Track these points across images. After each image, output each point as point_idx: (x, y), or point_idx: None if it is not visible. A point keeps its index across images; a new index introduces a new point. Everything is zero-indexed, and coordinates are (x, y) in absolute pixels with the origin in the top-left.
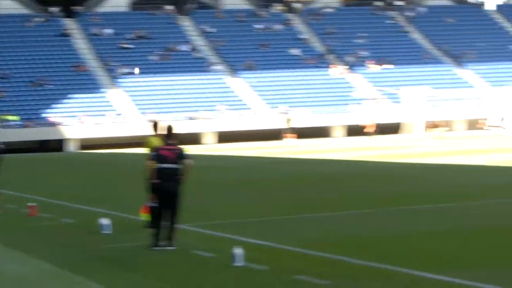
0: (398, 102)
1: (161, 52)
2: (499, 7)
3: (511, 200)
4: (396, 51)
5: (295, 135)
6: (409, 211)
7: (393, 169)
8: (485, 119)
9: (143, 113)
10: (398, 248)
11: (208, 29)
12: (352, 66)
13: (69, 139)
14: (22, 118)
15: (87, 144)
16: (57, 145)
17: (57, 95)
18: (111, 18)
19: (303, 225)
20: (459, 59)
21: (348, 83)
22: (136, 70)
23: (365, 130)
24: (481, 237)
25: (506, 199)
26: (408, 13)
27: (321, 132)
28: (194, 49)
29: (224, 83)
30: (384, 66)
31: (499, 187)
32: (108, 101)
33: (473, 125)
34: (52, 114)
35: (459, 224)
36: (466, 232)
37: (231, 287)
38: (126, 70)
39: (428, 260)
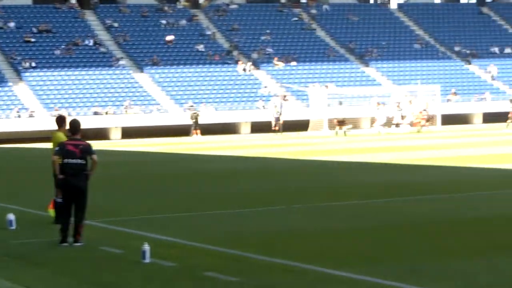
0: (305, 99)
1: (65, 47)
2: (400, 6)
3: (411, 198)
4: (302, 48)
5: (200, 131)
6: (316, 208)
7: (299, 166)
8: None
9: (48, 107)
10: (305, 245)
11: (112, 24)
12: (257, 63)
13: None
14: None
15: None
16: None
17: None
18: (14, 11)
19: (209, 222)
20: (363, 57)
21: (254, 79)
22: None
23: (273, 128)
24: (382, 233)
25: (403, 198)
26: (313, 11)
27: (228, 129)
28: (98, 44)
29: (131, 78)
30: (290, 63)
31: (400, 185)
32: (15, 95)
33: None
34: None
35: (362, 221)
36: (368, 228)
37: (141, 284)
38: (28, 64)
39: (334, 256)
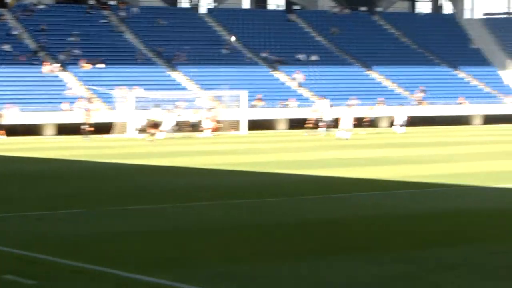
0: (112, 102)
1: None
2: (210, 11)
3: (222, 202)
4: (109, 50)
5: (4, 132)
6: (116, 211)
7: (98, 168)
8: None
9: None
10: (105, 248)
11: None
12: (64, 64)
13: None
14: None
15: None
16: None
17: None
18: None
19: (9, 224)
20: (171, 61)
21: (60, 81)
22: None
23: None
24: (195, 237)
25: (216, 201)
26: (122, 13)
27: (32, 130)
28: None
29: None
30: (97, 65)
31: (199, 188)
32: None
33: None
34: None
35: (177, 224)
36: (183, 232)
37: None
38: None
39: (139, 261)
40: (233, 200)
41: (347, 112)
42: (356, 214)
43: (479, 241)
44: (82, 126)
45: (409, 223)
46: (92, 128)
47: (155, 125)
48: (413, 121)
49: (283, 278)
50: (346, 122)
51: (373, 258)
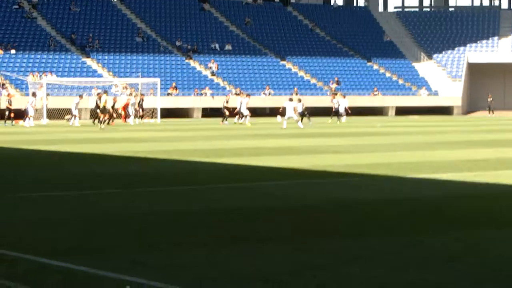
0: (24, 88)
1: None
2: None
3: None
4: (22, 36)
5: None
6: (25, 198)
7: (10, 155)
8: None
9: None
10: (19, 234)
11: None
12: None
13: None
14: None
15: None
16: None
17: None
18: None
19: None
20: (85, 48)
21: None
22: None
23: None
24: (100, 226)
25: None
26: None
27: None
28: None
29: None
30: (9, 51)
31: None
32: None
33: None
34: None
35: (85, 212)
36: (91, 220)
37: None
38: None
39: (49, 246)
40: (139, 189)
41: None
42: (262, 203)
43: (382, 234)
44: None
45: (306, 213)
46: (12, 114)
47: (105, 110)
48: (326, 112)
49: (184, 267)
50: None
51: (275, 248)
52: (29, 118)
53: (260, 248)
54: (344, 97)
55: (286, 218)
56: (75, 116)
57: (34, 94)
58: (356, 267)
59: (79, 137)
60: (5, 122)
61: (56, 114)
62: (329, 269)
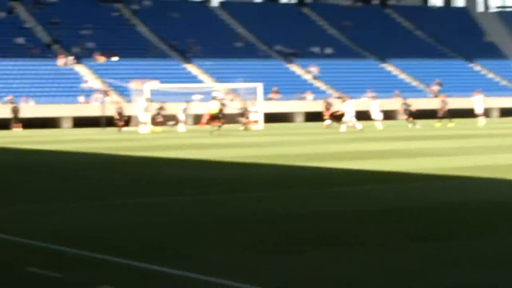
0: (127, 95)
1: None
2: (222, 4)
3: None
4: (123, 43)
5: (20, 125)
6: (131, 204)
7: (118, 161)
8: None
9: None
10: (126, 240)
11: None
12: (78, 57)
13: None
14: None
15: None
16: None
17: None
18: None
19: (31, 216)
20: (185, 54)
21: (75, 74)
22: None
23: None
24: (212, 229)
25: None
26: (134, 6)
27: (49, 123)
28: None
29: None
30: (111, 58)
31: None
32: None
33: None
34: None
35: (193, 216)
36: (183, 222)
37: None
38: None
39: (159, 253)
40: (248, 193)
41: (375, 104)
42: (362, 207)
43: (487, 235)
44: (115, 120)
45: (422, 216)
46: (122, 122)
47: (215, 117)
48: (429, 114)
49: (291, 270)
50: (376, 113)
51: (375, 252)
52: (145, 124)
53: (352, 251)
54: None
55: (384, 221)
56: (181, 121)
57: (148, 100)
58: (453, 270)
59: (185, 142)
60: (14, 128)
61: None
62: (420, 274)
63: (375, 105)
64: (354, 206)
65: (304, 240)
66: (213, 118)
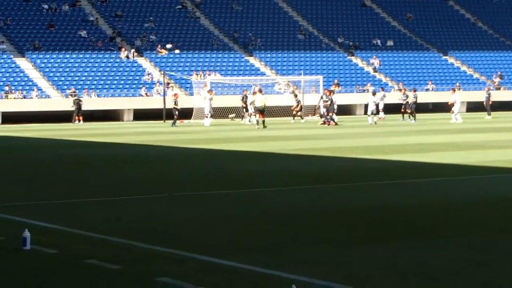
0: (189, 88)
1: None
2: None
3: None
4: (185, 36)
5: (82, 118)
6: (196, 196)
7: (180, 153)
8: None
9: None
10: (185, 233)
11: None
12: (141, 50)
13: None
14: None
15: None
16: None
17: None
18: None
19: (91, 209)
20: (247, 47)
21: (137, 67)
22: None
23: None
24: (260, 222)
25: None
26: None
27: (110, 116)
28: None
29: (12, 63)
30: (173, 51)
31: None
32: None
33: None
34: None
35: (260, 209)
36: (246, 216)
37: (20, 271)
38: None
39: (219, 246)
40: (299, 186)
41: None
42: (425, 199)
43: None
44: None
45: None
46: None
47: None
48: (491, 106)
49: (346, 263)
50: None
51: (438, 244)
52: (207, 117)
53: (423, 244)
54: (374, 94)
55: (450, 214)
56: (251, 114)
57: (210, 92)
58: None
59: (248, 135)
60: (173, 123)
61: (220, 113)
62: (494, 266)
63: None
64: (431, 198)
65: (389, 232)
66: (259, 111)
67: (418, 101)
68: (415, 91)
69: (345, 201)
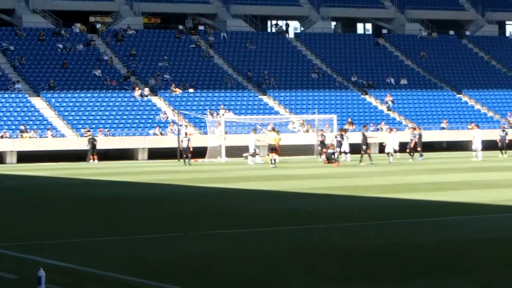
0: (203, 127)
1: None
2: (297, 35)
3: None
4: (199, 75)
5: (96, 157)
6: (214, 235)
7: (195, 192)
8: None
9: None
10: (203, 271)
11: (8, 47)
12: (155, 89)
13: None
14: None
15: None
16: None
17: None
18: None
19: (106, 247)
20: (261, 85)
21: (151, 106)
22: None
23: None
24: (289, 261)
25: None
26: (210, 38)
27: (124, 155)
28: None
29: (27, 102)
30: (187, 90)
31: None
32: None
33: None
34: None
35: (269, 248)
36: (266, 255)
37: None
38: None
39: (230, 283)
40: (324, 224)
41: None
42: (440, 238)
43: None
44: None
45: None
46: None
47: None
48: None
49: None
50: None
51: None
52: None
53: (441, 281)
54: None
55: (466, 252)
56: (253, 153)
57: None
58: None
59: (261, 174)
60: (185, 162)
61: (234, 151)
62: None
63: (478, 135)
64: (447, 236)
65: (407, 269)
66: (272, 149)
67: (432, 140)
68: (420, 129)
69: (365, 238)
